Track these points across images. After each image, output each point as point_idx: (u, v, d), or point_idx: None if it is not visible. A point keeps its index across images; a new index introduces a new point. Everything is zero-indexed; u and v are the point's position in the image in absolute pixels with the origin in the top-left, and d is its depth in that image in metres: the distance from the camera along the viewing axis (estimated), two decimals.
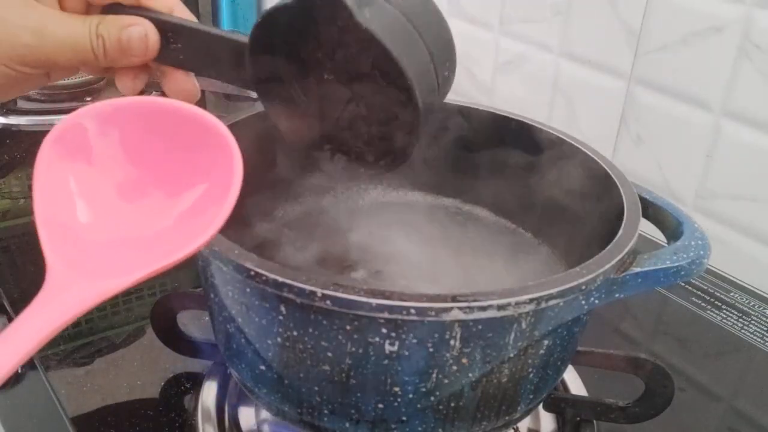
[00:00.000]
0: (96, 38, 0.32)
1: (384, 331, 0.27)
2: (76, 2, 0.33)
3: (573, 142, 0.40)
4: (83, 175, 0.28)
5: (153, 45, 0.33)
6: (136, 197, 0.29)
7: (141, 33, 0.33)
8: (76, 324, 0.47)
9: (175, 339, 0.41)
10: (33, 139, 0.73)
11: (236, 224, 0.42)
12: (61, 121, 0.28)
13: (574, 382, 0.42)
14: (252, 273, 0.27)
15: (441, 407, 0.30)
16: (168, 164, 0.30)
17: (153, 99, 0.30)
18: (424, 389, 0.29)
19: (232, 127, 0.39)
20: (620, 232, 0.32)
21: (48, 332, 0.23)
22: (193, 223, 0.28)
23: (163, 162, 0.30)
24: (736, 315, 0.51)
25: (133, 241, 0.28)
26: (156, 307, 0.40)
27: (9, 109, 0.77)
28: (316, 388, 0.31)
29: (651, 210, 0.36)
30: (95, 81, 0.82)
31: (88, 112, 0.29)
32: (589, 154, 0.39)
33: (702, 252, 0.32)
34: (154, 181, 0.29)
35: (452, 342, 0.28)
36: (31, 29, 0.31)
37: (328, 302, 0.27)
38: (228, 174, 0.28)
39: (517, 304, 0.27)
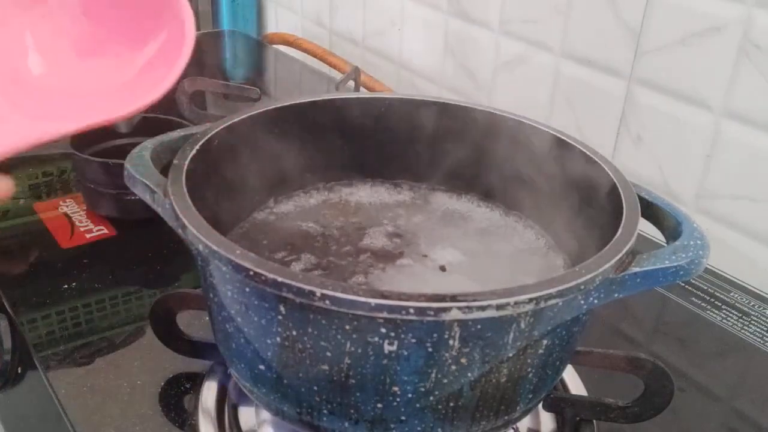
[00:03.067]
0: None
1: (383, 330, 0.28)
2: None
3: (573, 142, 0.40)
4: (40, 29, 0.30)
5: None
6: (89, 53, 0.31)
7: None
8: (76, 324, 0.47)
9: (174, 339, 0.41)
10: None
11: (235, 221, 0.42)
12: None
13: (573, 382, 0.42)
14: (251, 273, 0.27)
15: (440, 407, 0.30)
16: (122, 24, 0.31)
17: None
18: (423, 389, 0.30)
19: (232, 127, 0.40)
20: (619, 231, 0.32)
21: None
22: (140, 84, 0.29)
23: (117, 20, 0.31)
24: (736, 315, 0.51)
25: (82, 93, 0.30)
26: (155, 307, 0.40)
27: None
28: (316, 388, 0.31)
29: (650, 210, 0.36)
30: None
31: None
32: (589, 154, 0.39)
33: (701, 252, 0.31)
34: (107, 39, 0.31)
35: (451, 342, 0.28)
36: None
37: (327, 302, 0.27)
38: (179, 40, 0.29)
39: (516, 304, 0.27)
